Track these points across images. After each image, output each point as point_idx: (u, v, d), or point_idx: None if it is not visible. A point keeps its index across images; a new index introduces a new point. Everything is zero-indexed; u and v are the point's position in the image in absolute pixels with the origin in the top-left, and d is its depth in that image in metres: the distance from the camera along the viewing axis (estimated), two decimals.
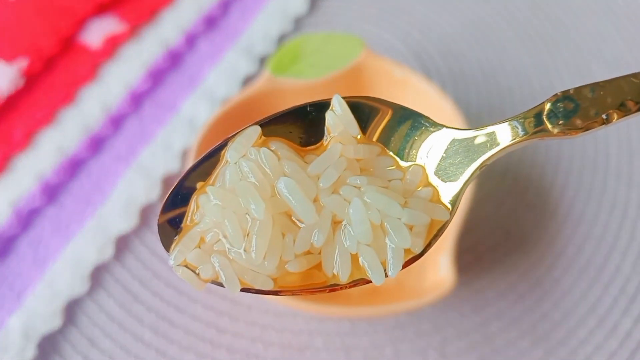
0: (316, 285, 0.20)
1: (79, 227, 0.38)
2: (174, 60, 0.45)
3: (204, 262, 0.20)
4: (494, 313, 0.35)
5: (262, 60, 0.46)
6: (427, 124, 0.21)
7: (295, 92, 0.37)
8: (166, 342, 0.35)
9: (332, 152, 0.20)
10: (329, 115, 0.21)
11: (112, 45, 0.45)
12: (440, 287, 0.30)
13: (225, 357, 0.34)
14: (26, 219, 0.38)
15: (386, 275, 0.19)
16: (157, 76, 0.44)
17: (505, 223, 0.38)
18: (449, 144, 0.21)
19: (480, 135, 0.21)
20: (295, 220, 0.20)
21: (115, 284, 0.37)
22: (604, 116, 0.20)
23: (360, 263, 0.20)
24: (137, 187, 0.39)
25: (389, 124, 0.21)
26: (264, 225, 0.19)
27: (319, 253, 0.20)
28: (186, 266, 0.20)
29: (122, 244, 0.38)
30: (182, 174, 0.21)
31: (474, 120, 0.41)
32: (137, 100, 0.43)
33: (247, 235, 0.19)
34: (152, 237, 0.38)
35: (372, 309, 0.31)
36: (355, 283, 0.20)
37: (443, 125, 0.21)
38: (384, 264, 0.19)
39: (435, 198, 0.21)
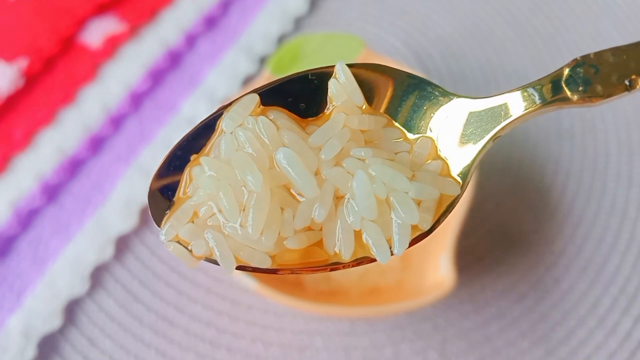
0: (317, 264, 0.19)
1: (79, 227, 0.38)
2: (174, 60, 0.45)
3: (197, 238, 0.18)
4: (494, 313, 0.35)
5: (262, 60, 0.46)
6: (436, 93, 0.20)
7: None
8: (166, 342, 0.35)
9: (334, 122, 0.19)
10: (331, 84, 0.19)
11: (112, 45, 0.45)
12: (440, 287, 0.30)
13: (225, 357, 0.34)
14: (26, 219, 0.38)
15: (392, 254, 0.18)
16: (157, 76, 0.44)
17: (505, 223, 0.38)
18: (460, 114, 0.20)
19: (493, 104, 0.19)
20: (295, 194, 0.18)
21: (115, 284, 0.37)
22: (626, 82, 0.19)
23: (364, 240, 0.18)
24: (137, 187, 0.39)
25: (395, 94, 0.20)
26: (261, 199, 0.18)
27: (320, 229, 0.19)
28: (178, 242, 0.18)
29: (122, 244, 0.38)
30: (175, 144, 0.20)
31: None
32: (137, 100, 0.43)
33: (244, 209, 0.18)
34: (152, 237, 0.38)
35: (372, 309, 0.31)
36: (358, 262, 0.19)
37: (454, 94, 0.20)
38: (389, 242, 0.18)
39: (445, 172, 0.19)
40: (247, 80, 0.45)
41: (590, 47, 0.46)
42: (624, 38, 0.46)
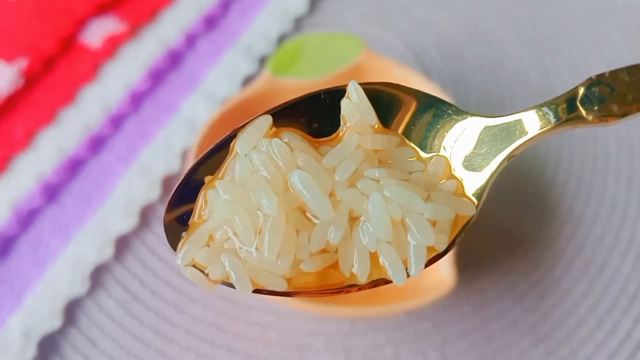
0: (333, 286, 0.19)
1: (79, 227, 0.38)
2: (174, 60, 0.45)
3: (213, 262, 0.18)
4: (494, 313, 0.35)
5: (262, 60, 0.46)
6: (449, 112, 0.20)
7: (296, 92, 0.37)
8: (166, 342, 0.35)
9: (348, 143, 0.19)
10: (344, 103, 0.19)
11: (112, 45, 0.45)
12: (440, 287, 0.30)
13: (225, 357, 0.34)
14: (26, 219, 0.38)
15: (408, 275, 0.18)
16: (157, 76, 0.44)
17: (505, 223, 0.38)
18: (474, 133, 0.20)
19: (508, 123, 0.19)
20: (310, 216, 0.18)
21: (115, 284, 0.37)
22: None
23: (381, 262, 0.18)
24: (137, 187, 0.39)
25: (408, 113, 0.20)
26: (276, 222, 0.18)
27: (336, 251, 0.18)
28: (194, 266, 0.19)
29: (122, 244, 0.38)
30: (190, 167, 0.20)
31: None
32: (137, 100, 0.43)
33: (259, 232, 0.18)
34: (152, 237, 0.38)
35: (372, 309, 0.31)
36: (374, 283, 0.19)
37: (468, 113, 0.20)
38: (405, 263, 0.18)
39: (460, 191, 0.19)
40: (247, 80, 0.45)
41: (590, 47, 0.46)
42: (624, 38, 0.46)
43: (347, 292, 0.19)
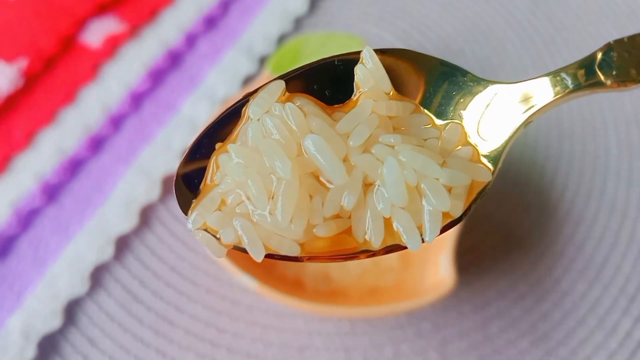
0: (346, 252, 0.18)
1: (79, 227, 0.38)
2: (174, 60, 0.45)
3: (225, 226, 0.18)
4: (494, 313, 0.35)
5: (262, 60, 0.46)
6: (465, 79, 0.20)
7: None
8: (166, 342, 0.35)
9: (362, 109, 0.18)
10: (358, 69, 0.19)
11: (112, 45, 0.45)
12: (440, 287, 0.30)
13: (225, 357, 0.34)
14: (26, 219, 0.38)
15: (422, 241, 0.18)
16: (157, 76, 0.44)
17: (505, 223, 0.38)
18: (490, 100, 0.19)
19: (524, 90, 0.19)
20: (324, 181, 0.18)
21: (115, 284, 0.37)
22: None
23: (395, 228, 0.18)
24: (137, 187, 0.39)
25: (423, 80, 0.20)
26: (290, 186, 0.17)
27: (349, 217, 0.18)
28: (206, 230, 0.18)
29: (122, 244, 0.38)
30: (201, 132, 0.19)
31: None
32: (137, 100, 0.43)
33: (272, 196, 0.18)
34: (152, 237, 0.38)
35: (371, 309, 0.31)
36: (388, 249, 0.18)
37: (484, 80, 0.20)
38: (419, 229, 0.18)
39: (476, 158, 0.19)
40: (247, 80, 0.45)
41: (591, 47, 0.46)
42: None
43: (359, 257, 0.18)
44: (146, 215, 0.39)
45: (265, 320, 0.35)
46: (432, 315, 0.35)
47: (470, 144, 0.19)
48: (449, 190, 0.18)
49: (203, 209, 0.18)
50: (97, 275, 0.37)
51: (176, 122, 0.42)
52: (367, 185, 0.18)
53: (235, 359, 0.34)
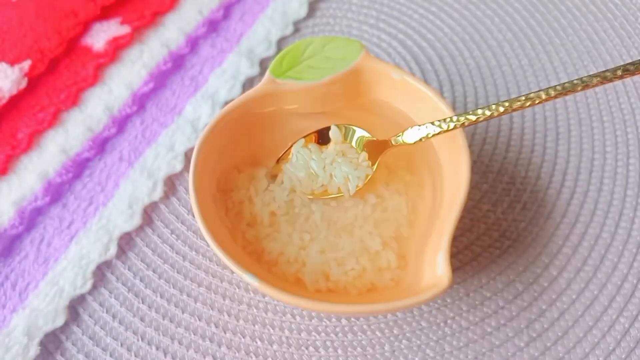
0: (327, 194, 0.36)
1: (82, 227, 0.38)
2: (176, 62, 0.46)
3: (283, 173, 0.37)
4: (491, 311, 0.36)
5: (263, 63, 0.46)
6: (367, 136, 0.37)
7: (295, 94, 0.37)
8: (168, 340, 0.35)
9: (331, 149, 0.37)
10: (331, 133, 0.37)
11: (115, 48, 0.45)
12: (436, 285, 0.30)
13: (225, 354, 0.35)
14: (30, 218, 0.38)
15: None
16: (160, 78, 0.45)
17: (502, 222, 0.39)
18: (366, 143, 0.37)
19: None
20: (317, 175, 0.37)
21: (117, 283, 0.37)
22: None
23: (335, 180, 0.36)
24: (140, 187, 0.40)
25: (353, 135, 0.37)
26: (307, 177, 0.36)
27: (327, 186, 0.36)
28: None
29: (125, 243, 0.38)
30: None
31: None
32: (139, 102, 0.44)
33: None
34: (155, 236, 0.39)
35: (369, 307, 0.31)
36: (338, 195, 0.36)
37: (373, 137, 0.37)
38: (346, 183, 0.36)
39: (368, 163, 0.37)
40: (248, 83, 0.45)
41: (588, 48, 0.47)
42: (622, 40, 0.47)
43: (336, 198, 0.36)
44: (149, 215, 0.40)
45: (265, 318, 0.36)
46: (429, 314, 0.36)
47: (369, 160, 0.36)
48: (358, 177, 0.36)
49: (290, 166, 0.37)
50: (100, 274, 0.37)
51: (178, 123, 0.43)
52: (331, 177, 0.36)
53: (236, 357, 0.34)
